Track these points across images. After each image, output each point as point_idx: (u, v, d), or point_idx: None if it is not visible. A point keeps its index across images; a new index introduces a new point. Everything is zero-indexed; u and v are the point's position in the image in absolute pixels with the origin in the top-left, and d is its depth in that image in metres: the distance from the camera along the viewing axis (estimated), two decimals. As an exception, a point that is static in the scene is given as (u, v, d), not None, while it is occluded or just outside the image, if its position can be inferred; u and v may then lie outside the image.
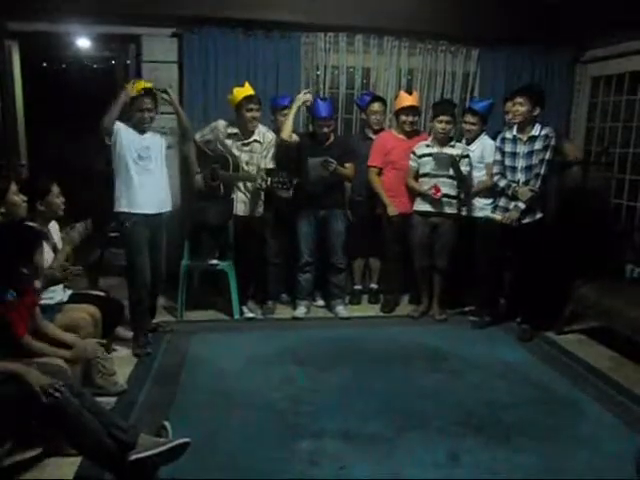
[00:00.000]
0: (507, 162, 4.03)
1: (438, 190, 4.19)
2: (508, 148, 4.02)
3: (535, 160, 3.91)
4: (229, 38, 4.64)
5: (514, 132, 4.00)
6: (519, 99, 3.89)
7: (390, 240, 4.56)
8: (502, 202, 4.06)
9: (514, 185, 3.97)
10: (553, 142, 3.91)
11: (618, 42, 4.73)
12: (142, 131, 3.75)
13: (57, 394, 2.17)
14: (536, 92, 3.99)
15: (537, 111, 3.91)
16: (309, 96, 4.27)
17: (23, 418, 2.31)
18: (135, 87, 3.67)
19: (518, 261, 4.15)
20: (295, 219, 4.42)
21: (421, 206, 4.35)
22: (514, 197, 3.97)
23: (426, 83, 5.07)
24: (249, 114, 4.13)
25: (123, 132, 3.66)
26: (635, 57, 4.69)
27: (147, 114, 3.70)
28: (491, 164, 4.20)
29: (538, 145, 3.90)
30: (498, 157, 4.10)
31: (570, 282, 4.19)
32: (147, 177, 3.72)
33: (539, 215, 3.98)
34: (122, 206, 3.71)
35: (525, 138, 3.94)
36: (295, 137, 4.27)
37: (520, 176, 3.97)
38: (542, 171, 3.89)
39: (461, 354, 3.84)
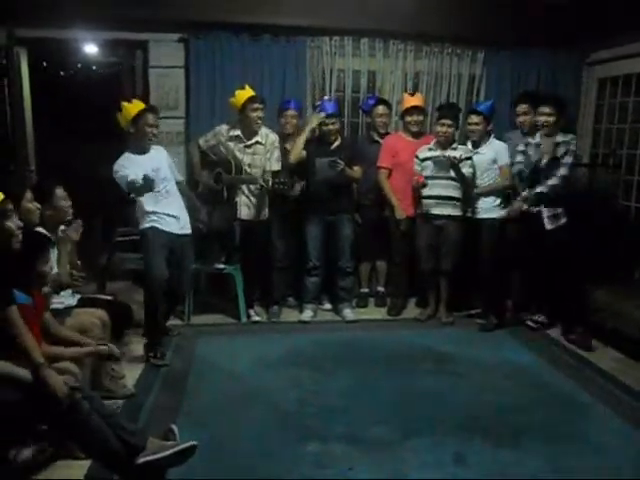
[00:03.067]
0: (528, 167, 4.08)
1: (420, 178, 4.28)
2: (531, 152, 4.08)
3: (558, 166, 3.98)
4: (235, 43, 4.66)
5: (537, 139, 4.06)
6: (547, 109, 3.96)
7: (398, 243, 4.56)
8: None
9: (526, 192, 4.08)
10: (573, 147, 3.99)
11: (624, 43, 4.71)
12: (144, 151, 3.67)
13: (77, 395, 2.22)
14: (561, 101, 4.09)
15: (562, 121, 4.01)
16: (322, 115, 4.26)
17: (34, 421, 2.33)
18: (134, 107, 3.65)
19: (541, 265, 4.17)
20: (303, 223, 4.43)
21: (426, 208, 4.35)
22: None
23: (432, 86, 5.06)
24: (254, 114, 4.12)
25: (129, 164, 3.56)
26: (642, 58, 4.68)
27: (155, 130, 3.67)
28: (505, 166, 4.25)
29: (561, 151, 3.98)
30: (520, 159, 4.15)
31: (579, 284, 4.17)
32: (166, 200, 3.68)
33: (563, 220, 4.05)
34: (145, 224, 3.64)
35: (549, 144, 4.00)
36: (303, 153, 4.30)
37: (542, 181, 4.03)
38: (564, 172, 3.95)
39: (468, 357, 3.84)
